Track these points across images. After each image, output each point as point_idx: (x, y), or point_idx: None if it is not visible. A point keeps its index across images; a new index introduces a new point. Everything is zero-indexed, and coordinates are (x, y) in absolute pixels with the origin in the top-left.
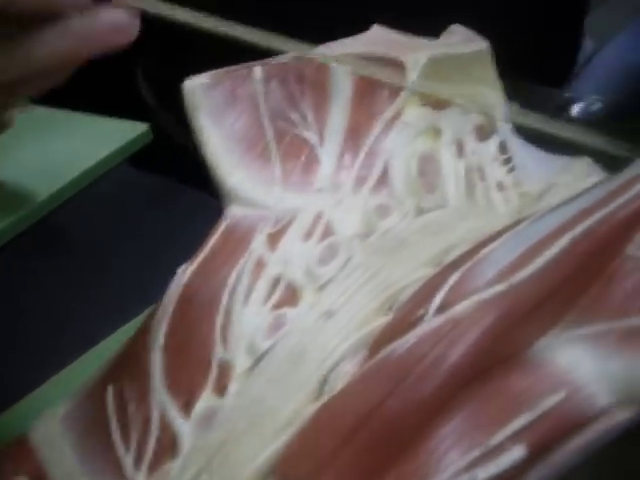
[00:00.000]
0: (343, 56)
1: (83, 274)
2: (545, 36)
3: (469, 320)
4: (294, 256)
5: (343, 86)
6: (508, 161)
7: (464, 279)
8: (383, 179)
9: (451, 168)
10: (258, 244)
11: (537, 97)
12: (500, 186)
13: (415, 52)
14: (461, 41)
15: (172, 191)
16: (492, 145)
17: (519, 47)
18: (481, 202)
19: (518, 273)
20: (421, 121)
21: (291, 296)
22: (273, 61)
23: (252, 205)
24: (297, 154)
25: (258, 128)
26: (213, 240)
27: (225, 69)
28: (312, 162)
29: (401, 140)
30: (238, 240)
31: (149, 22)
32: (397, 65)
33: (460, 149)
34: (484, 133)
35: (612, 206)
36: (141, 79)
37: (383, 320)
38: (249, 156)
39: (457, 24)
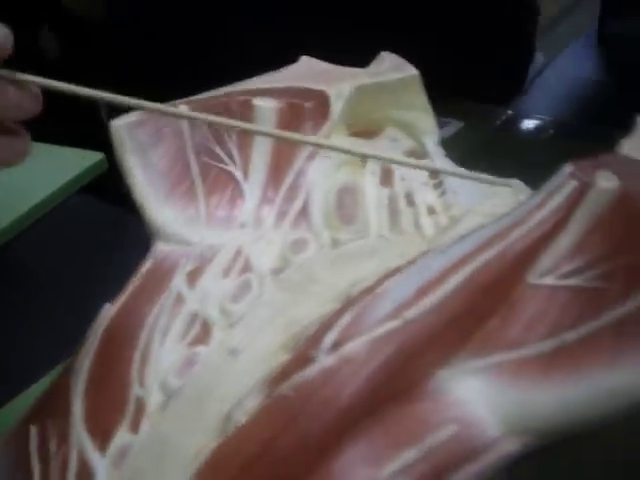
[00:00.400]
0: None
1: (31, 305)
2: (495, 53)
3: (360, 359)
4: (211, 293)
5: (267, 120)
6: (439, 185)
7: (359, 317)
8: (303, 212)
9: (373, 197)
10: (179, 281)
11: (482, 116)
12: (431, 210)
13: (340, 82)
14: (390, 68)
15: (126, 220)
16: (423, 170)
17: (468, 64)
18: (408, 229)
19: (413, 308)
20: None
21: (205, 334)
22: (198, 98)
23: (178, 242)
24: (222, 190)
25: (184, 165)
26: (137, 277)
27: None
28: (236, 197)
29: (322, 172)
30: (161, 277)
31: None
32: (321, 97)
33: (388, 176)
34: (415, 158)
35: (511, 237)
36: (102, 105)
37: (284, 358)
38: (175, 193)
39: (387, 51)
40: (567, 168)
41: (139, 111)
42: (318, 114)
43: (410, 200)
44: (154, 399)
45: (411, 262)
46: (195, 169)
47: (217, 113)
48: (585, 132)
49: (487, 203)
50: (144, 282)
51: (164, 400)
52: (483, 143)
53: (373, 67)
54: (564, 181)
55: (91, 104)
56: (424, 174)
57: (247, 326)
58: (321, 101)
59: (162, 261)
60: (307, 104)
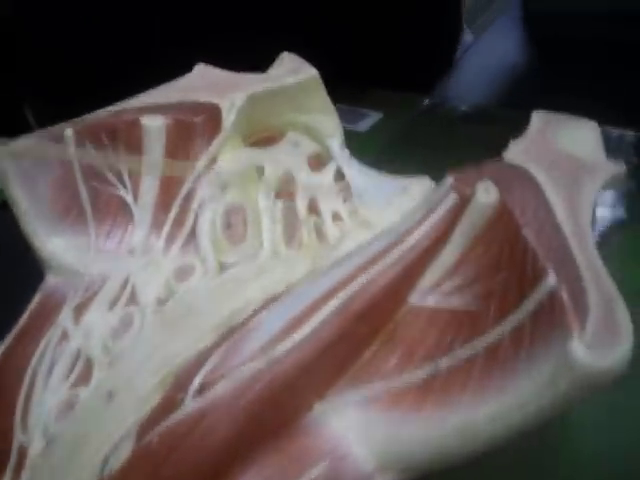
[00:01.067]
0: None
1: None
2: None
3: (225, 403)
4: (95, 328)
5: (156, 139)
6: (344, 189)
7: (227, 355)
8: (191, 236)
9: (267, 212)
10: (65, 316)
11: (401, 105)
12: (336, 217)
13: (234, 92)
14: (287, 71)
15: None
16: (327, 174)
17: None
18: (310, 241)
19: (283, 343)
20: (237, 165)
21: (87, 373)
22: (85, 119)
23: (68, 273)
24: (112, 215)
25: (72, 191)
26: (26, 315)
27: (36, 132)
28: (127, 222)
29: (211, 190)
30: (48, 313)
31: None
32: (212, 110)
33: (287, 187)
34: (319, 163)
35: (391, 257)
36: (30, 117)
37: (157, 401)
38: (64, 222)
39: (288, 52)
40: (449, 179)
41: (24, 137)
42: (209, 128)
43: (313, 208)
44: (35, 446)
45: (290, 287)
46: (84, 195)
47: (106, 134)
48: (507, 118)
49: (394, 203)
50: (31, 320)
51: (44, 446)
52: (402, 134)
53: (273, 70)
54: (445, 194)
55: (17, 109)
56: (329, 178)
57: (125, 365)
58: (212, 114)
59: (51, 295)
60: (197, 119)
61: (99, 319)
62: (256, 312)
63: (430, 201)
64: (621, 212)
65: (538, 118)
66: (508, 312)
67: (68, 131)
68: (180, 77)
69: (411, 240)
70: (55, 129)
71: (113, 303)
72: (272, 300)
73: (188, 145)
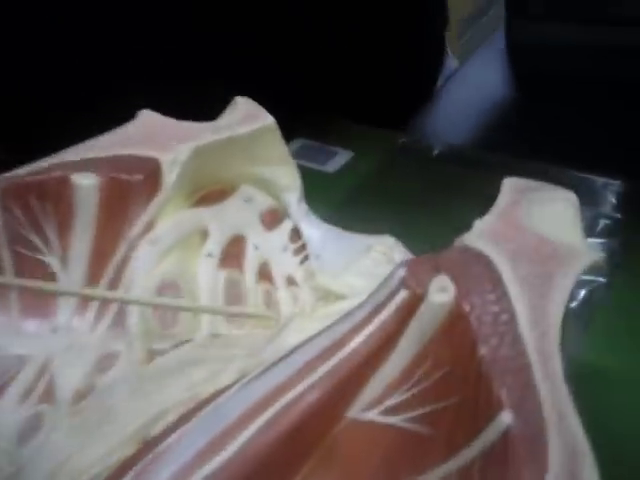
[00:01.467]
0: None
1: None
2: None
3: None
4: (3, 426)
5: (87, 200)
6: (301, 249)
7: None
8: (121, 314)
9: (207, 285)
10: None
11: (374, 143)
12: (290, 281)
13: (179, 144)
14: (240, 119)
15: None
16: (283, 233)
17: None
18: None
19: (201, 470)
20: (178, 229)
21: None
22: (11, 178)
23: None
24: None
25: None
26: None
27: None
28: (52, 296)
29: (144, 262)
30: None
31: None
32: (152, 166)
33: (235, 249)
34: (274, 220)
35: (330, 363)
36: None
37: None
38: None
39: (242, 96)
40: (400, 271)
41: None
42: (148, 187)
43: (265, 274)
44: None
45: (216, 395)
46: (8, 262)
47: (34, 193)
48: (485, 162)
49: (354, 266)
50: None
51: None
52: (374, 175)
53: (225, 117)
54: (395, 290)
55: None
56: (285, 237)
57: (30, 477)
58: (152, 172)
59: None
60: (134, 177)
61: (9, 414)
62: (176, 425)
63: (378, 295)
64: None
65: (509, 187)
66: (458, 446)
67: None
68: (122, 125)
69: (352, 345)
70: None
71: (27, 393)
72: (194, 411)
73: (124, 206)
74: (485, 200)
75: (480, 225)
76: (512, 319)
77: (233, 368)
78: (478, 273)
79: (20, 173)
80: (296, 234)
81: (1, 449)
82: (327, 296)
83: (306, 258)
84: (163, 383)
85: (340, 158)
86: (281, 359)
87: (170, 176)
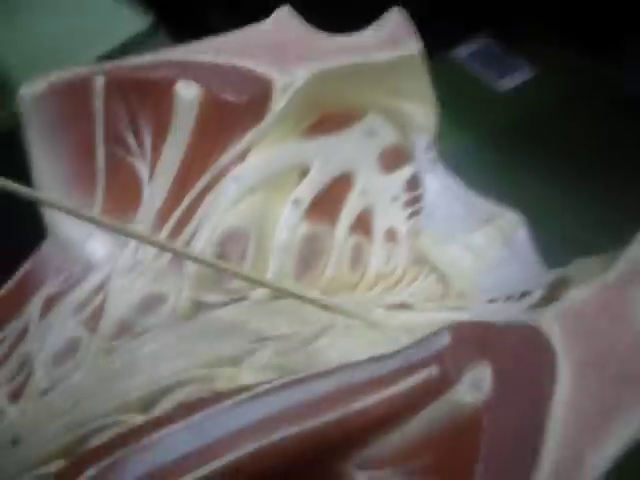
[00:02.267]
0: None
1: None
2: None
3: None
4: (50, 338)
5: (187, 114)
6: (413, 202)
7: (109, 472)
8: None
9: (282, 236)
10: (34, 307)
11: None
12: (390, 236)
13: (303, 62)
14: (384, 40)
15: None
16: (400, 179)
17: None
18: (339, 274)
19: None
20: (269, 166)
21: (18, 394)
22: (118, 69)
23: (63, 246)
24: (123, 190)
25: (90, 154)
26: (11, 284)
27: (68, 71)
28: (134, 203)
29: (224, 198)
30: (25, 292)
31: None
32: (263, 87)
33: (334, 191)
34: (394, 161)
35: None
36: None
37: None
38: (74, 186)
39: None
40: (444, 338)
41: (50, 80)
42: (252, 111)
43: (362, 223)
44: None
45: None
46: (101, 160)
47: (136, 92)
48: None
49: (461, 241)
50: (10, 292)
51: None
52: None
53: (369, 31)
54: (431, 358)
55: None
56: (400, 183)
57: (41, 410)
58: (261, 94)
59: (37, 267)
60: (240, 97)
61: (59, 326)
62: (162, 420)
63: (413, 353)
64: None
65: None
66: None
67: (99, 81)
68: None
69: (360, 403)
70: (87, 72)
71: (80, 308)
72: (194, 408)
73: (221, 128)
74: None
75: (571, 297)
76: (533, 460)
77: (257, 359)
78: (525, 378)
79: (126, 65)
80: (414, 183)
81: (41, 361)
82: (423, 262)
83: (416, 213)
84: (187, 350)
85: (519, 75)
86: (297, 381)
87: (279, 103)
